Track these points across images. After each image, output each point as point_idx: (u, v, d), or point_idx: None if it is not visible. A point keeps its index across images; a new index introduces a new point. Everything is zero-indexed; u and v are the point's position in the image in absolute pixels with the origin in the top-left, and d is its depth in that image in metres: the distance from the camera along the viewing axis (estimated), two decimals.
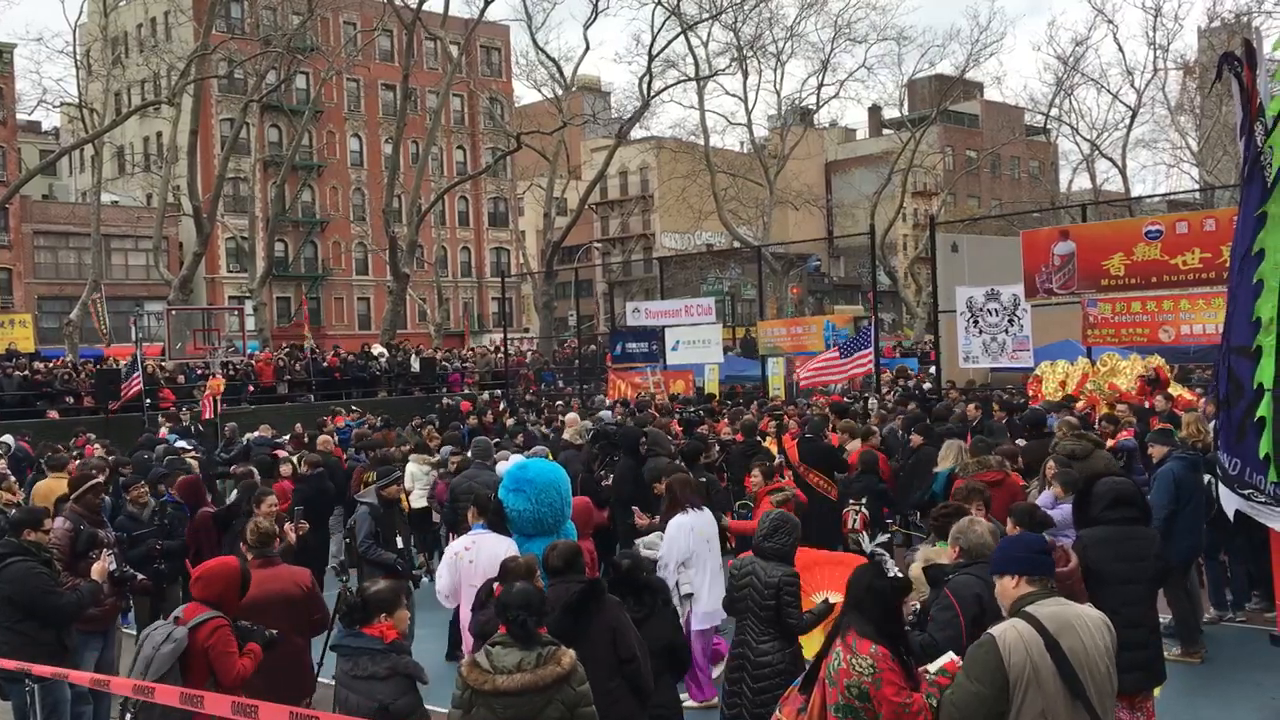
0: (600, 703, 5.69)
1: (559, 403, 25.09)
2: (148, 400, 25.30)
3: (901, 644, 4.69)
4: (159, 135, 51.02)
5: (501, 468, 10.10)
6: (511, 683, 4.82)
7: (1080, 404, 15.12)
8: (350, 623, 5.41)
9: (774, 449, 12.72)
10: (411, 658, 5.61)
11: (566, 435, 14.46)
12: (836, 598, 6.56)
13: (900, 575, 4.93)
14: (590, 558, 7.66)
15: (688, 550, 8.14)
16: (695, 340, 24.94)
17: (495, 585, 6.31)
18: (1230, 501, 7.99)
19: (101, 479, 8.92)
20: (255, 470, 11.87)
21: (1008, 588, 4.40)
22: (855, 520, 10.34)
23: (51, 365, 29.69)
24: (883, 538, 10.33)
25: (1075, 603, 4.43)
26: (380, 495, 9.68)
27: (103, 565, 7.43)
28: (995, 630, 4.21)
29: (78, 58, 41.22)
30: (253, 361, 31.33)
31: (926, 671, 4.62)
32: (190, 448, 16.65)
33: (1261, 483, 7.65)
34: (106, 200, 45.29)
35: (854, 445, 12.06)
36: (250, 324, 37.66)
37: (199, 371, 28.15)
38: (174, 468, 12.60)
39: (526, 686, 4.82)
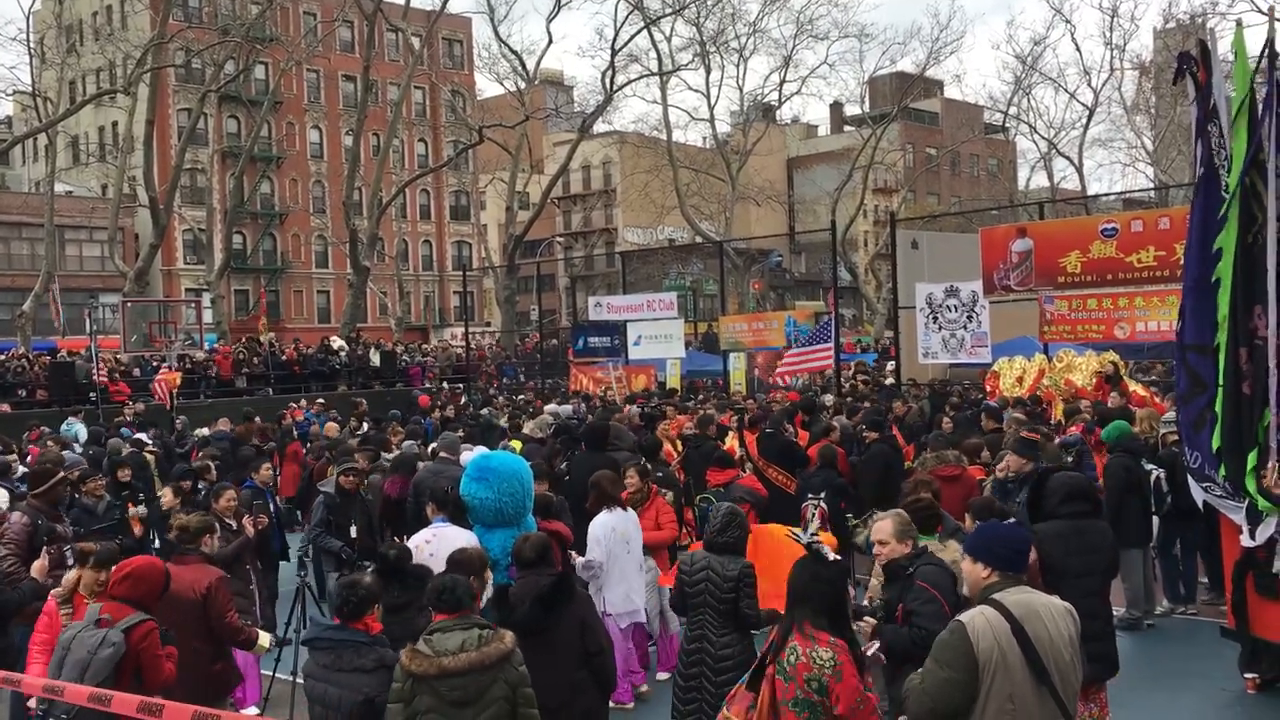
0: (566, 694, 5.71)
1: (521, 397, 25.06)
2: (93, 395, 24.94)
3: (854, 633, 4.75)
4: (114, 125, 50.30)
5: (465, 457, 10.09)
6: (457, 662, 4.81)
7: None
8: (351, 617, 5.43)
9: (734, 444, 12.79)
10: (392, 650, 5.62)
11: (527, 429, 14.47)
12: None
13: (839, 558, 4.93)
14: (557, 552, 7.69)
15: (607, 550, 8.19)
16: (657, 335, 24.98)
17: None
18: (1197, 493, 8.19)
19: (65, 474, 8.80)
20: (211, 465, 11.82)
21: (978, 574, 4.45)
22: (813, 514, 10.40)
23: (4, 358, 29.20)
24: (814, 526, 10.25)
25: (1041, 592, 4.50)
26: (338, 484, 9.74)
27: (43, 563, 7.33)
28: (964, 617, 4.27)
29: (31, 45, 40.49)
30: (212, 355, 30.99)
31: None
32: (148, 441, 16.51)
33: (1215, 476, 7.84)
34: (60, 190, 44.54)
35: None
36: (208, 317, 37.30)
37: (155, 365, 27.81)
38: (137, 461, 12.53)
39: (473, 665, 4.82)
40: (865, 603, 5.74)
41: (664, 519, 9.02)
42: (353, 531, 9.60)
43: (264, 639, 7.13)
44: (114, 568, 6.18)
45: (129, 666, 5.64)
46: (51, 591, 6.50)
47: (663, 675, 8.60)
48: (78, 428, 20.18)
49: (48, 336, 39.64)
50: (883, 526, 5.77)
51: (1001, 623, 4.17)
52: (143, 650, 5.66)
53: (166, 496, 10.22)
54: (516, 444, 12.32)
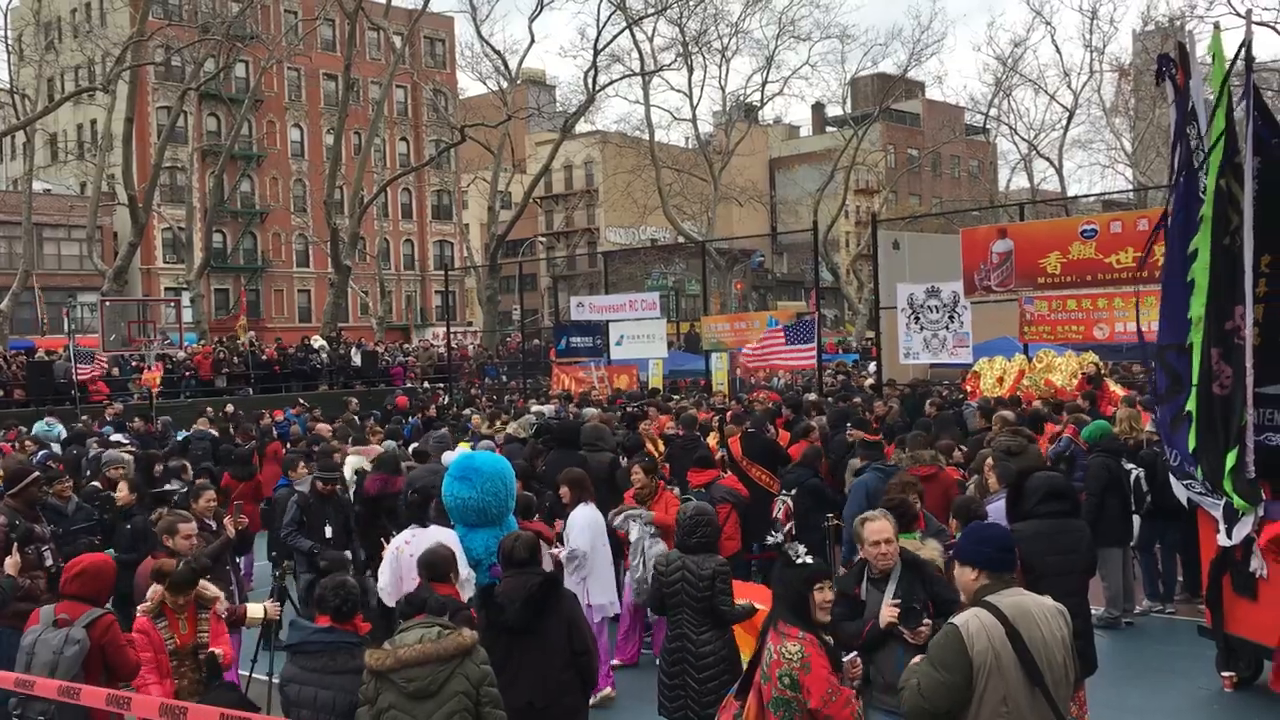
0: (553, 692, 5.74)
1: (508, 398, 25.02)
2: (75, 393, 24.76)
3: (822, 630, 4.79)
4: (93, 123, 49.93)
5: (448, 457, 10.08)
6: (412, 653, 4.86)
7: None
8: (344, 618, 5.44)
9: (714, 443, 12.80)
10: None
11: (510, 429, 14.44)
12: (760, 606, 6.66)
13: (809, 562, 4.95)
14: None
15: (590, 542, 8.29)
16: (639, 335, 24.94)
17: (431, 584, 6.31)
18: (1180, 491, 8.25)
19: (39, 474, 8.74)
20: (189, 465, 11.81)
21: (968, 578, 4.45)
22: (779, 510, 10.41)
23: None
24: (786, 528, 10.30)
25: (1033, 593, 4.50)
26: (314, 486, 9.71)
27: (15, 559, 7.29)
28: (958, 619, 4.28)
29: (9, 42, 40.24)
30: (192, 355, 30.81)
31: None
32: (126, 441, 16.39)
33: (1195, 473, 7.90)
34: (38, 188, 44.18)
35: None
36: (187, 316, 37.10)
37: (134, 364, 27.65)
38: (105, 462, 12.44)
39: (427, 655, 4.85)
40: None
41: (673, 509, 9.11)
42: (328, 532, 9.57)
43: (254, 610, 7.10)
44: (66, 566, 6.20)
45: (96, 661, 5.70)
46: (140, 607, 6.35)
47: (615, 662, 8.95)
48: (59, 428, 19.96)
49: (25, 335, 39.36)
50: (883, 527, 5.66)
51: (996, 625, 4.19)
52: (106, 643, 5.74)
53: (122, 493, 10.09)
54: (466, 445, 12.27)
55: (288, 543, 9.35)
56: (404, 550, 7.22)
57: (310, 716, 5.34)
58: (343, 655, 5.35)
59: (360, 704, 4.98)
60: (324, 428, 15.86)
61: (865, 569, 5.73)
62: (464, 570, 6.78)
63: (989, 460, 8.91)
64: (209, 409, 20.82)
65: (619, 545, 9.74)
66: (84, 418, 20.96)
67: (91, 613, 5.79)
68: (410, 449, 13.29)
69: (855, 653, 4.96)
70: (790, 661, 4.55)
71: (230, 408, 22.17)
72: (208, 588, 6.50)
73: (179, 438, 17.31)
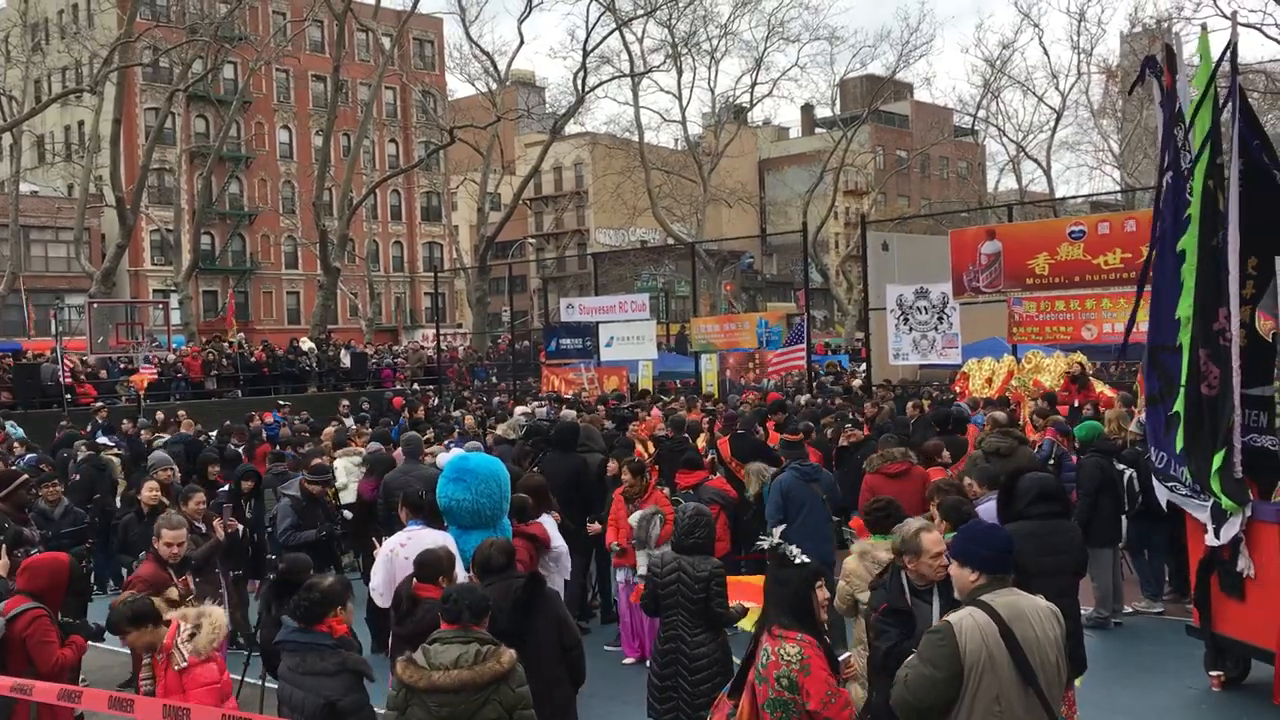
0: (548, 690, 5.76)
1: (497, 399, 24.97)
2: (68, 396, 24.69)
3: (822, 631, 4.77)
4: (81, 124, 49.75)
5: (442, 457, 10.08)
6: (448, 679, 4.72)
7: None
8: (306, 619, 5.36)
9: (703, 445, 12.82)
10: (359, 654, 5.56)
11: (500, 430, 14.44)
12: (750, 605, 6.65)
13: (806, 561, 4.93)
14: (529, 555, 7.71)
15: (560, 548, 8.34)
16: (629, 336, 24.96)
17: (414, 582, 6.28)
18: (1161, 494, 8.26)
19: (27, 478, 8.72)
20: (174, 466, 11.77)
21: (966, 578, 4.44)
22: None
23: None
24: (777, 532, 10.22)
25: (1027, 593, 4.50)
26: (304, 488, 9.69)
27: (4, 562, 7.28)
28: (952, 618, 4.28)
29: None
30: (181, 357, 30.69)
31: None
32: (112, 444, 16.33)
33: (1182, 474, 7.92)
34: (25, 190, 44.02)
35: None
36: (175, 318, 37.00)
37: (122, 366, 27.55)
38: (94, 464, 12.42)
39: (464, 683, 4.73)
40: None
41: (664, 511, 9.15)
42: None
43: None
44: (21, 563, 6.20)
45: (17, 654, 5.72)
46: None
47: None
48: (19, 432, 19.73)
49: (13, 337, 39.19)
50: (940, 537, 5.46)
51: (990, 625, 4.20)
52: (27, 637, 5.74)
53: (152, 491, 9.92)
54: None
55: (289, 543, 9.34)
56: (399, 552, 7.19)
57: (288, 713, 5.33)
58: (312, 656, 5.29)
59: (388, 707, 4.89)
60: (328, 432, 15.86)
61: (904, 581, 5.51)
62: (461, 575, 6.76)
63: (966, 479, 8.85)
64: (180, 413, 20.57)
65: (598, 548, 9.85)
66: (63, 421, 20.80)
67: (21, 607, 5.81)
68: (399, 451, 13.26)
69: (850, 653, 4.96)
70: (789, 664, 4.54)
71: (160, 414, 21.25)
72: (156, 631, 5.48)
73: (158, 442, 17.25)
